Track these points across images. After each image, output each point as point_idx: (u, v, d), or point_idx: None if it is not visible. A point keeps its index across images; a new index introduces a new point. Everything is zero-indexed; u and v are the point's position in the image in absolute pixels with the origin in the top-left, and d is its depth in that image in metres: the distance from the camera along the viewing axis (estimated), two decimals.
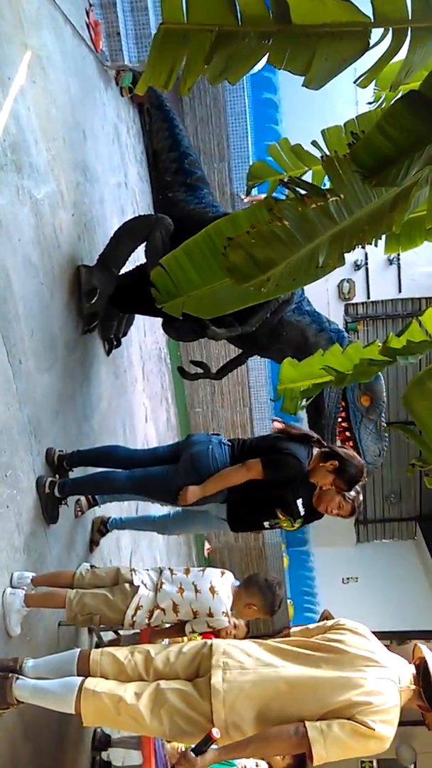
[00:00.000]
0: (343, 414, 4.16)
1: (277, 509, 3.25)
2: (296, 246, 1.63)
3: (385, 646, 7.82)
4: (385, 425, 4.16)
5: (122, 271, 4.14)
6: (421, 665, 2.43)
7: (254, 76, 7.25)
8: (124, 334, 4.71)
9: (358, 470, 3.16)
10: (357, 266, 9.13)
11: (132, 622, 2.86)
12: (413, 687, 2.39)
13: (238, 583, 3.09)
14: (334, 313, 9.34)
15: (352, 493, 3.22)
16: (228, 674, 2.35)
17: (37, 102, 3.37)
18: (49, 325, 3.33)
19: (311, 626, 2.71)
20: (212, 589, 2.88)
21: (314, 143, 3.20)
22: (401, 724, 2.41)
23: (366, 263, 9.06)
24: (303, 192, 1.55)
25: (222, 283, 1.88)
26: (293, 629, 2.77)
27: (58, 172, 3.63)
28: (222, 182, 7.06)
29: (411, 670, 2.45)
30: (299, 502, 3.24)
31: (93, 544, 3.84)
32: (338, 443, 4.13)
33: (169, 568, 3.02)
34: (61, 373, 3.43)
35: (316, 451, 3.28)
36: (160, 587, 2.90)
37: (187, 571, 3.00)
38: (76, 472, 3.34)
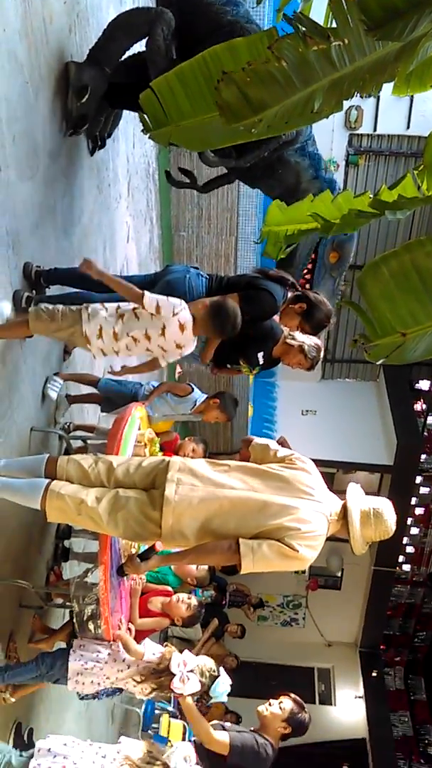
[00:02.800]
0: (309, 266, 4.18)
1: (240, 359, 3.37)
2: (292, 89, 1.55)
3: (332, 473, 8.51)
4: (343, 284, 4.24)
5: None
6: (345, 505, 2.73)
7: None
8: (110, 135, 4.46)
9: (325, 316, 3.26)
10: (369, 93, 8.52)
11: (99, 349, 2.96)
12: (340, 520, 2.69)
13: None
14: (338, 142, 8.90)
15: (314, 352, 3.33)
16: (180, 488, 2.61)
17: None
18: (32, 130, 3.16)
19: (271, 446, 2.90)
20: (181, 327, 2.90)
21: None
22: (334, 540, 2.76)
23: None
24: (306, 32, 1.45)
25: (213, 116, 1.80)
26: (256, 440, 2.96)
27: None
28: None
29: (341, 505, 2.74)
30: (260, 355, 3.37)
31: (66, 354, 3.98)
32: None
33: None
34: (42, 183, 3.32)
35: (289, 294, 3.34)
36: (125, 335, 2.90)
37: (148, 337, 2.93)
38: (53, 290, 3.37)
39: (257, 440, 2.95)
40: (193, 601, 3.88)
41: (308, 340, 3.35)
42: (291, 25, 1.48)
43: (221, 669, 3.38)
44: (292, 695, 3.46)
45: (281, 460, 2.81)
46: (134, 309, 2.89)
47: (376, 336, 1.66)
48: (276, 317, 3.52)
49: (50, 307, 2.88)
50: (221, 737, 3.18)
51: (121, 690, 3.54)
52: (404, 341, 1.62)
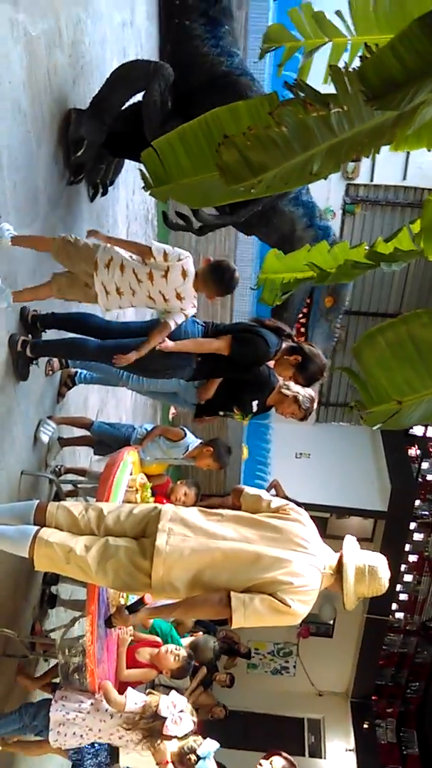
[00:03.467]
0: (305, 310, 4.25)
1: (234, 406, 3.38)
2: (292, 153, 1.58)
3: (326, 518, 8.41)
4: (338, 327, 4.32)
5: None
6: (340, 559, 2.68)
7: None
8: (111, 183, 4.54)
9: (319, 369, 3.28)
10: None
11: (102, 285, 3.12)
12: (335, 575, 2.64)
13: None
14: (335, 191, 9.08)
15: (307, 403, 3.35)
16: (172, 539, 2.56)
17: None
18: (33, 177, 3.21)
19: (263, 496, 2.84)
20: (183, 273, 3.12)
21: (338, 13, 2.99)
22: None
23: None
24: (306, 98, 1.48)
25: (213, 175, 1.83)
26: (246, 490, 2.89)
27: (58, 6, 3.33)
28: (237, 34, 6.49)
29: (336, 558, 2.69)
30: (255, 403, 3.38)
31: (60, 396, 3.97)
32: None
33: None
34: (41, 229, 3.35)
35: (284, 344, 3.36)
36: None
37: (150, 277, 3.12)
38: (50, 334, 3.38)
39: (248, 490, 2.89)
40: (182, 652, 3.78)
41: (303, 391, 3.36)
42: (291, 92, 1.52)
43: (206, 744, 3.26)
44: (284, 753, 3.36)
45: (275, 510, 2.76)
46: None
47: (371, 403, 1.66)
48: (270, 364, 3.53)
49: (75, 237, 3.12)
50: None
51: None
52: (400, 408, 1.62)
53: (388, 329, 1.69)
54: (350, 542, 2.74)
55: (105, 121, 3.78)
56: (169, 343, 3.25)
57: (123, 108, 4.00)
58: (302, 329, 4.46)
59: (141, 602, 2.65)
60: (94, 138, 3.70)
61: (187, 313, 3.20)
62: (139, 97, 3.92)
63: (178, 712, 3.10)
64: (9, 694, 3.45)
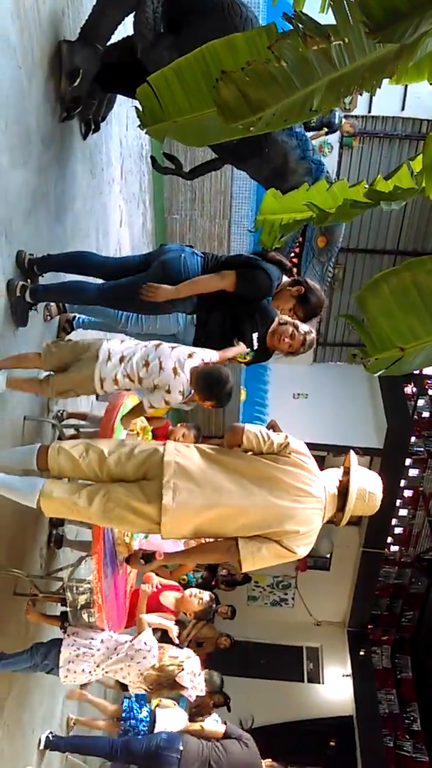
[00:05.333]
0: (297, 249, 4.16)
1: (234, 339, 3.34)
2: (292, 89, 1.54)
3: (323, 456, 8.50)
4: (332, 272, 4.22)
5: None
6: (343, 486, 2.80)
7: None
8: (103, 119, 4.41)
9: (319, 303, 3.27)
10: None
11: (104, 392, 3.04)
12: (334, 508, 2.75)
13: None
14: None
15: (313, 335, 3.34)
16: (178, 495, 2.60)
17: None
18: (25, 115, 3.12)
19: (263, 436, 2.79)
20: (175, 370, 2.96)
21: None
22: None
23: None
24: (305, 31, 1.43)
25: (210, 111, 1.78)
26: (247, 428, 2.82)
27: None
28: None
29: (335, 486, 2.80)
30: (255, 335, 3.35)
31: (63, 332, 3.95)
32: None
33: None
34: (35, 169, 3.28)
35: (285, 278, 3.34)
36: (129, 360, 3.00)
37: (157, 347, 3.05)
38: (48, 279, 3.34)
39: (249, 428, 2.80)
40: (205, 596, 4.00)
41: (302, 325, 3.35)
42: (290, 24, 1.46)
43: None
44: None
45: (277, 451, 2.77)
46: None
47: (375, 351, 1.68)
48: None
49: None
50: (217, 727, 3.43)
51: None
52: (402, 355, 1.64)
53: (392, 276, 1.68)
54: (355, 463, 2.88)
55: (98, 49, 3.64)
56: (170, 290, 3.20)
57: (115, 42, 3.85)
58: (294, 269, 4.38)
59: (152, 556, 2.78)
60: (90, 66, 3.56)
61: (168, 399, 3.01)
62: (130, 32, 3.76)
63: (197, 678, 3.53)
64: (20, 634, 3.58)
